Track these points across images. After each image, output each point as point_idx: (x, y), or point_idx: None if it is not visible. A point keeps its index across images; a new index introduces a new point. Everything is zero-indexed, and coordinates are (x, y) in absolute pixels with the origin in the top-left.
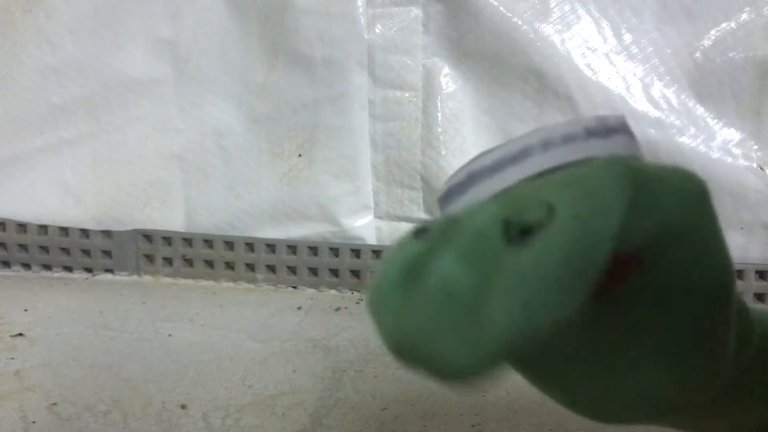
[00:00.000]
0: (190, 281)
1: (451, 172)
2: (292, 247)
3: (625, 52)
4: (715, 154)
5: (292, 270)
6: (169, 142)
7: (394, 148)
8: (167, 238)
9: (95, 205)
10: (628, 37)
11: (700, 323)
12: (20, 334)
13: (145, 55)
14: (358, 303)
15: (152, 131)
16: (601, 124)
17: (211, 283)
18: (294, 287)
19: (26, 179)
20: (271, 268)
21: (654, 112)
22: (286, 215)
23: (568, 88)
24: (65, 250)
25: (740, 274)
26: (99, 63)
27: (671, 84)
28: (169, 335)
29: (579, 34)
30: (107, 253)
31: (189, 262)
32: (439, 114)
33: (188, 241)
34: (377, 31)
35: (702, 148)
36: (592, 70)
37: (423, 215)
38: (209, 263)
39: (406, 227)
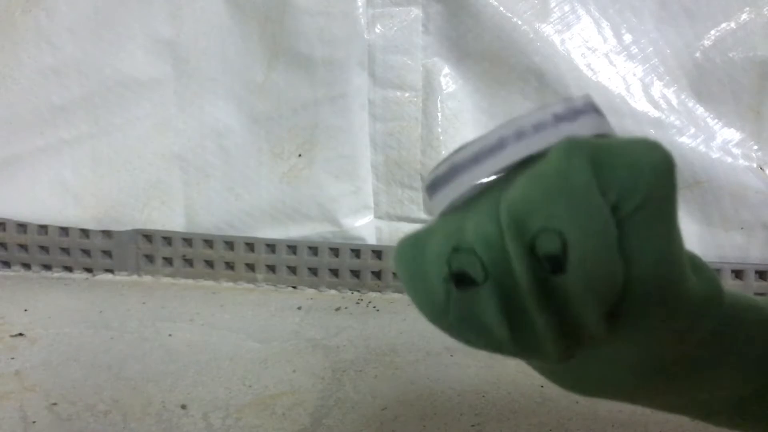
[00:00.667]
0: (190, 281)
1: None
2: (292, 247)
3: (625, 52)
4: (715, 154)
5: (292, 270)
6: (169, 142)
7: (394, 148)
8: (167, 238)
9: (95, 205)
10: (628, 37)
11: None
12: (20, 334)
13: (145, 55)
14: (358, 303)
15: (152, 131)
16: (568, 107)
17: (211, 283)
18: (294, 287)
19: (26, 179)
20: (271, 268)
21: (654, 112)
22: (286, 215)
23: (568, 88)
24: (65, 250)
25: (740, 274)
26: (99, 63)
27: (671, 84)
28: (169, 335)
29: (579, 34)
30: (107, 253)
31: (189, 262)
32: (439, 114)
33: (188, 241)
34: (377, 31)
35: (702, 148)
36: (592, 70)
37: (423, 215)
38: (209, 263)
39: (406, 227)
